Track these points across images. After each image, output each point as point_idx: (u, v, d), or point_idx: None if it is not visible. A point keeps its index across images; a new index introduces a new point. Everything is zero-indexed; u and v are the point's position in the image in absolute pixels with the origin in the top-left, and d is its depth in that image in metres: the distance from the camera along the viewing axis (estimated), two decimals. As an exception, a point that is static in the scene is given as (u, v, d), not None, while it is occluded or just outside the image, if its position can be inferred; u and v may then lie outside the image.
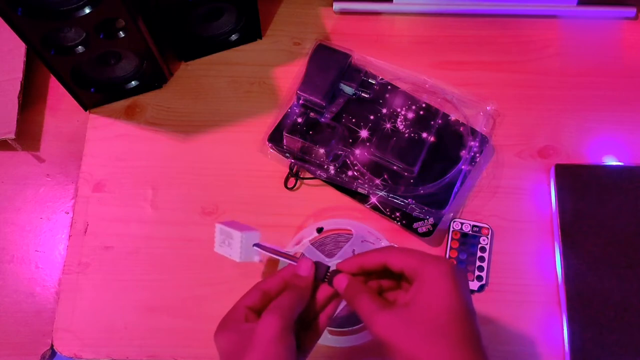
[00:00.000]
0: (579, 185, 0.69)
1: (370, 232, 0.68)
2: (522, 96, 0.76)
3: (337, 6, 0.81)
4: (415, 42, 0.80)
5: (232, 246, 0.59)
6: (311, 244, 0.68)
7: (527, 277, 0.68)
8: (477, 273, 0.66)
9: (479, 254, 0.67)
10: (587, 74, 0.77)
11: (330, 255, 0.68)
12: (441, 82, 0.74)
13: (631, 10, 0.80)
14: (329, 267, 0.52)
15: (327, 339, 0.64)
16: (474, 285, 0.66)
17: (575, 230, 0.67)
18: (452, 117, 0.72)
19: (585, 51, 0.79)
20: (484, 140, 0.71)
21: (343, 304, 0.65)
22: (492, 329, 0.65)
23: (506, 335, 0.65)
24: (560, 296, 0.66)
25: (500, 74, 0.77)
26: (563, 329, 0.64)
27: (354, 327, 0.65)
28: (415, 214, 0.68)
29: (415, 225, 0.68)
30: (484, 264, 0.67)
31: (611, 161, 0.72)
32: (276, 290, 0.51)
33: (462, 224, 0.68)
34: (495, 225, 0.69)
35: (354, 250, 0.67)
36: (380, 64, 0.76)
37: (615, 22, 0.81)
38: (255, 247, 0.59)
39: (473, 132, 0.71)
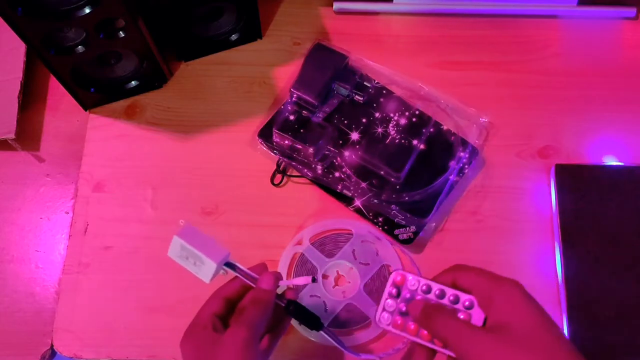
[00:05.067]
0: (579, 185, 0.69)
1: (370, 232, 0.68)
2: (522, 96, 0.76)
3: (337, 6, 0.81)
4: (415, 42, 0.80)
5: (201, 269, 0.53)
6: (311, 244, 0.68)
7: (527, 277, 0.67)
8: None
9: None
10: (587, 74, 0.77)
11: (330, 255, 0.68)
12: (437, 90, 0.74)
13: (631, 10, 0.80)
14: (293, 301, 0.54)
15: (325, 339, 0.64)
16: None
17: (575, 230, 0.67)
18: (444, 127, 0.72)
19: (585, 51, 0.79)
20: (474, 152, 0.71)
21: (340, 305, 0.65)
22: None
23: (506, 335, 0.65)
24: (560, 296, 0.66)
25: (500, 74, 0.77)
26: (563, 329, 0.64)
27: (352, 328, 0.65)
28: (397, 220, 0.68)
29: (396, 231, 0.67)
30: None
31: (611, 161, 0.72)
32: (237, 296, 0.53)
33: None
34: (495, 225, 0.69)
35: (354, 251, 0.67)
36: (377, 67, 0.75)
37: (615, 22, 0.81)
38: (224, 267, 0.53)
39: (464, 143, 0.71)
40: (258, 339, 0.50)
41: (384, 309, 0.50)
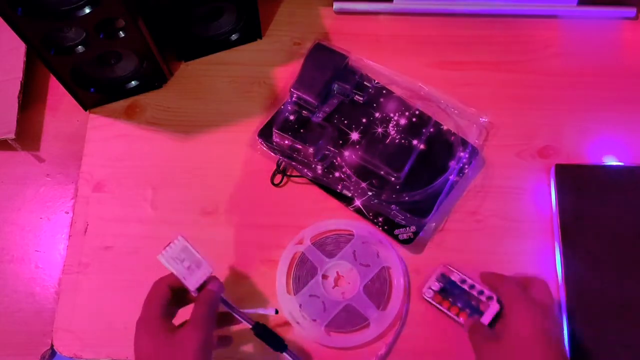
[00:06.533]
0: (579, 185, 0.69)
1: (371, 234, 0.68)
2: (522, 96, 0.76)
3: (337, 6, 0.81)
4: (415, 42, 0.80)
5: (193, 273, 0.56)
6: (312, 243, 0.68)
7: (527, 277, 0.67)
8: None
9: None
10: (587, 74, 0.77)
11: (330, 255, 0.68)
12: (437, 90, 0.74)
13: (631, 10, 0.80)
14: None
15: (325, 339, 0.64)
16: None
17: (575, 230, 0.67)
18: (444, 127, 0.72)
19: (585, 51, 0.79)
20: (474, 152, 0.71)
21: (339, 306, 0.65)
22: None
23: (506, 335, 0.65)
24: (560, 296, 0.66)
25: (500, 74, 0.77)
26: (563, 330, 0.64)
27: (353, 328, 0.65)
28: (397, 220, 0.68)
29: (396, 231, 0.67)
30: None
31: (611, 161, 0.72)
32: (179, 285, 0.56)
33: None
34: (495, 225, 0.69)
35: (354, 252, 0.67)
36: (377, 67, 0.75)
37: (615, 22, 0.81)
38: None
39: (464, 143, 0.71)
40: (212, 338, 0.55)
41: (430, 287, 0.65)
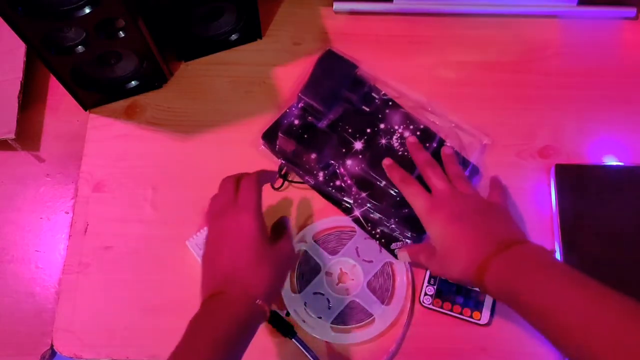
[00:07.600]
0: (579, 185, 0.69)
1: (370, 232, 0.68)
2: (522, 96, 0.76)
3: (337, 6, 0.81)
4: (415, 42, 0.80)
5: None
6: (314, 241, 0.68)
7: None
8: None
9: None
10: (587, 74, 0.77)
11: (333, 252, 0.68)
12: (443, 108, 0.73)
13: (631, 10, 0.80)
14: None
15: (330, 336, 0.65)
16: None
17: (575, 230, 0.67)
18: (448, 143, 0.71)
19: (585, 51, 0.79)
20: (474, 171, 0.71)
21: (344, 302, 0.65)
22: (492, 330, 0.65)
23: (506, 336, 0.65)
24: (560, 296, 0.66)
25: (500, 74, 0.77)
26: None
27: (358, 324, 0.65)
28: (395, 234, 0.67)
29: (393, 245, 0.67)
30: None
31: (611, 161, 0.72)
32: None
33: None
34: (496, 225, 0.69)
35: (357, 248, 0.68)
36: (386, 79, 0.75)
37: (615, 22, 0.81)
38: None
39: (465, 162, 0.71)
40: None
41: (425, 293, 0.66)
